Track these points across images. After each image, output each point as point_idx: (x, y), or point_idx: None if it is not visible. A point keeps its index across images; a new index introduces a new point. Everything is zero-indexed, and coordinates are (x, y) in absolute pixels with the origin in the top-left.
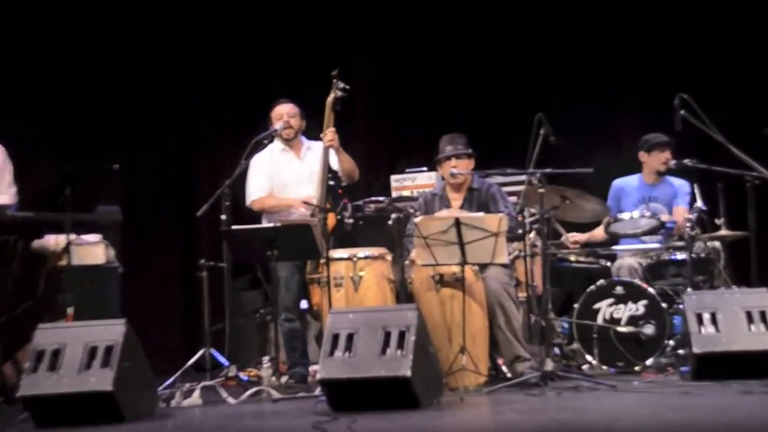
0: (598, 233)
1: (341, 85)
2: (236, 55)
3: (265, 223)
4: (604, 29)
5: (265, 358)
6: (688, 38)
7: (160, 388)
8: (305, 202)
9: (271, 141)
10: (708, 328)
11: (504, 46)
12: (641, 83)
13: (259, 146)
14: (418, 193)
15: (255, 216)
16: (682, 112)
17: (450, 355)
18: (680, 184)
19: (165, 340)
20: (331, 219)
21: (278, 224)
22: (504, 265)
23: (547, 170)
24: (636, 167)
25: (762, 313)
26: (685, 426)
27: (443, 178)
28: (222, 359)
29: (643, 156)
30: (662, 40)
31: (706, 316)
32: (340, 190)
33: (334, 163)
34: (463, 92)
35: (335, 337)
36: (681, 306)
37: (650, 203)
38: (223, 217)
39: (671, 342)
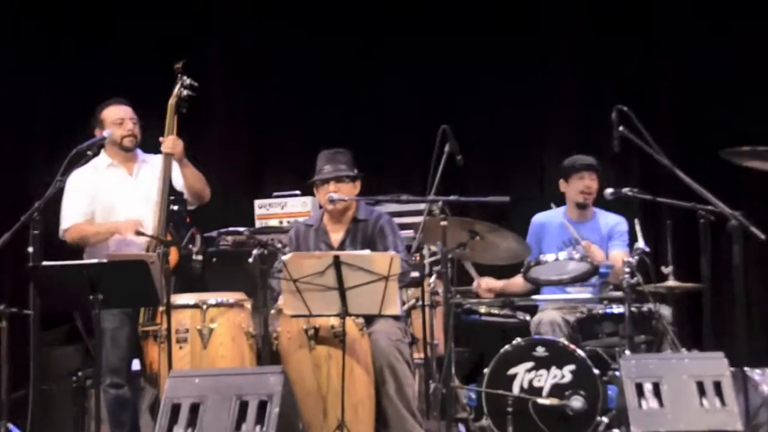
0: (518, 280)
1: (188, 81)
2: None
3: (87, 259)
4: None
5: None
6: (632, 44)
7: None
8: (138, 232)
9: (97, 153)
10: (650, 402)
11: (400, 42)
12: (574, 92)
13: (81, 158)
14: (288, 223)
15: (74, 250)
16: (620, 128)
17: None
18: (615, 222)
19: None
20: (174, 254)
21: (104, 260)
22: (396, 318)
23: (452, 198)
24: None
25: (716, 384)
26: None
27: (321, 206)
28: None
29: (563, 185)
30: (600, 43)
31: (648, 387)
32: (188, 217)
33: (179, 182)
34: (349, 96)
35: (175, 409)
36: (617, 373)
37: (577, 245)
38: (31, 249)
39: (604, 419)
